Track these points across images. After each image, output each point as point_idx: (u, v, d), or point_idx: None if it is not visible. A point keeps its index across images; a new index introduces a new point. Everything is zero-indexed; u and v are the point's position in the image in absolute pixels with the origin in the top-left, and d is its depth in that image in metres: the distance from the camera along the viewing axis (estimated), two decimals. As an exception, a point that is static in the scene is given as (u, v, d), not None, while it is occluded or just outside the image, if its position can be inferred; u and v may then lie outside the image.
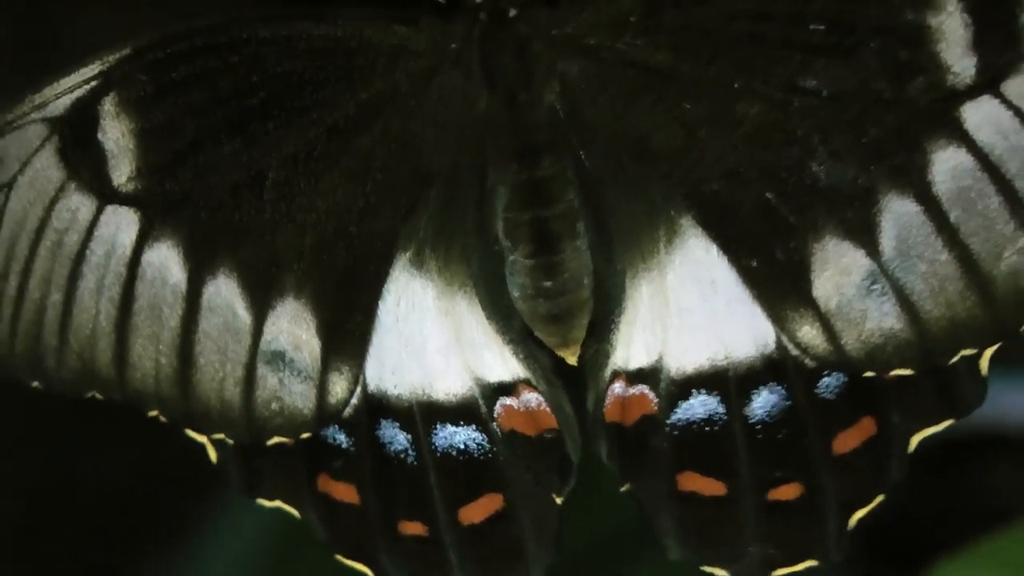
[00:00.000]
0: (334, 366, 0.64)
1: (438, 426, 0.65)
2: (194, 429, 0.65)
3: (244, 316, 0.63)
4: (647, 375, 0.64)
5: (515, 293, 0.64)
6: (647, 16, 0.61)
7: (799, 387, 0.63)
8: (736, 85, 0.61)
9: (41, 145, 0.62)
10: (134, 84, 0.62)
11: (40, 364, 0.64)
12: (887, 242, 0.60)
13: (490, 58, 0.62)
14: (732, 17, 0.60)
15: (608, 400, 0.65)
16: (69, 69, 0.61)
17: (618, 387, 0.64)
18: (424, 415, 0.65)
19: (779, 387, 0.63)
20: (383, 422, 0.65)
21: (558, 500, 0.66)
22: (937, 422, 0.63)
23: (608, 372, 0.64)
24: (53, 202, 0.62)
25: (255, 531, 1.43)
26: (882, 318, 0.60)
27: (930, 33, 0.58)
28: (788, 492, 0.64)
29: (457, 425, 0.65)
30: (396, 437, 0.65)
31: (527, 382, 0.65)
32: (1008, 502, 1.76)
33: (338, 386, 0.64)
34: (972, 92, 0.58)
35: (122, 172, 0.62)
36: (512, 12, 0.62)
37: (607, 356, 0.64)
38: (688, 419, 0.64)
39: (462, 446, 0.65)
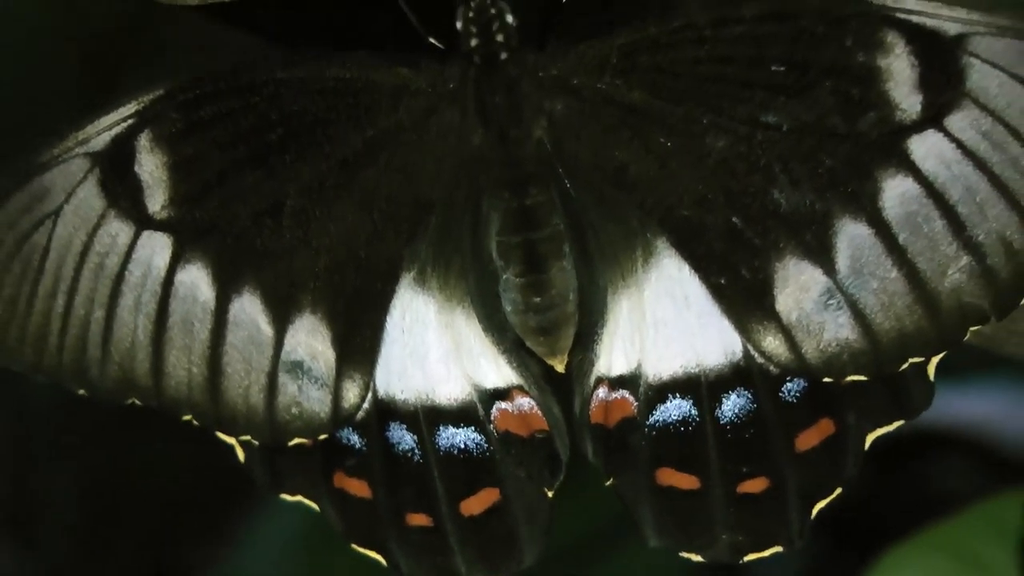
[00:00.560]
0: (347, 374, 0.63)
1: (440, 428, 0.65)
2: (223, 432, 0.64)
3: (266, 330, 0.63)
4: (627, 381, 0.64)
5: (508, 308, 0.63)
6: (624, 59, 0.61)
7: (764, 392, 0.63)
8: (704, 121, 0.60)
9: (84, 177, 0.61)
10: (166, 122, 0.61)
11: (85, 374, 0.63)
12: (842, 261, 0.60)
13: (483, 97, 0.62)
14: (700, 60, 0.60)
15: (592, 404, 0.64)
16: (108, 108, 0.61)
17: (601, 392, 0.64)
18: (428, 418, 0.65)
19: (746, 392, 0.63)
20: (391, 424, 0.65)
21: (549, 493, 0.65)
22: (889, 423, 0.63)
23: (592, 379, 0.64)
24: (95, 228, 0.62)
25: (299, 520, 1.41)
26: (838, 330, 0.60)
27: (880, 73, 0.59)
28: (755, 485, 0.64)
29: (458, 427, 0.65)
30: (403, 438, 0.65)
31: (520, 388, 0.64)
32: (953, 493, 1.76)
33: (351, 392, 0.64)
34: (918, 126, 0.58)
35: (156, 201, 0.62)
36: (503, 56, 0.61)
37: (591, 364, 0.64)
38: (664, 421, 0.64)
39: (462, 446, 0.65)
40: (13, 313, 0.62)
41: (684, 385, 0.63)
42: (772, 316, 0.61)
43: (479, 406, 0.65)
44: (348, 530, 0.67)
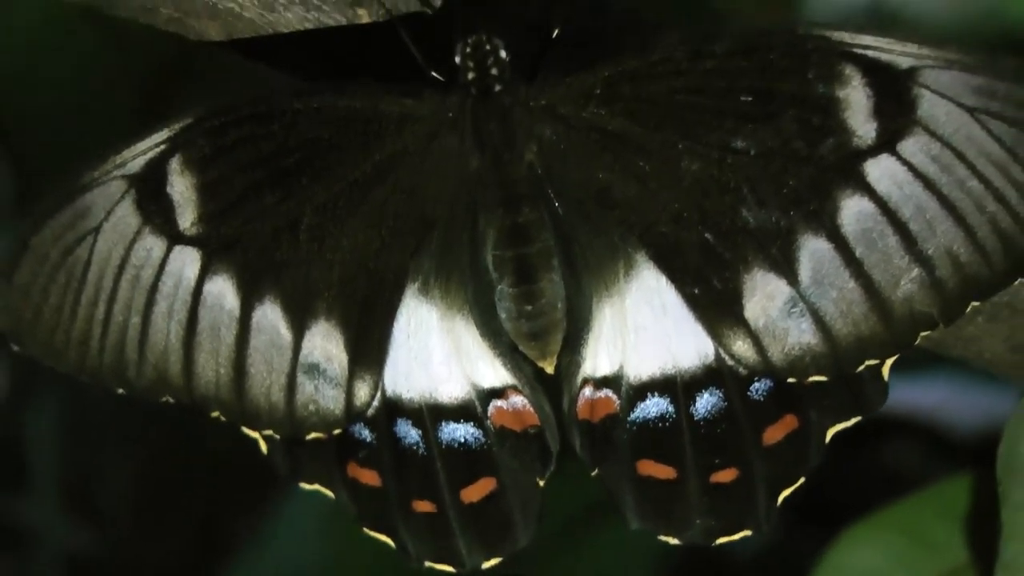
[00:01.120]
0: (359, 375, 0.63)
1: (443, 423, 0.64)
2: (247, 427, 0.64)
3: (286, 334, 0.62)
4: (611, 381, 0.63)
5: (503, 315, 0.63)
6: (607, 90, 0.60)
7: (734, 391, 0.62)
8: (680, 146, 0.60)
9: (121, 197, 0.60)
10: (195, 147, 0.60)
11: (124, 374, 0.63)
12: (804, 273, 0.59)
13: (480, 124, 0.61)
14: (676, 91, 0.59)
15: (579, 402, 0.64)
16: (143, 135, 0.60)
17: (587, 391, 0.63)
18: (431, 414, 0.64)
19: (718, 391, 0.62)
20: (399, 420, 0.64)
21: (540, 482, 0.65)
22: (848, 418, 0.62)
23: (579, 379, 0.63)
24: (132, 243, 0.61)
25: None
26: (801, 335, 0.60)
27: (838, 103, 0.58)
28: (726, 475, 0.63)
29: (458, 422, 0.64)
30: (409, 432, 0.64)
31: (514, 387, 0.64)
32: (906, 472, 1.75)
33: (362, 391, 0.63)
34: (873, 151, 0.58)
35: (186, 219, 0.61)
36: (497, 87, 0.60)
37: (578, 366, 0.63)
38: (644, 417, 0.63)
39: (462, 439, 0.64)
40: (59, 319, 0.62)
41: (662, 385, 0.63)
42: (741, 323, 0.60)
43: (477, 404, 0.64)
44: (361, 515, 0.66)
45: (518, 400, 0.64)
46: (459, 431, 0.64)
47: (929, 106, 0.57)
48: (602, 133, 0.60)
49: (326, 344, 0.62)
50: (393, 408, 0.64)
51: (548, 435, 0.64)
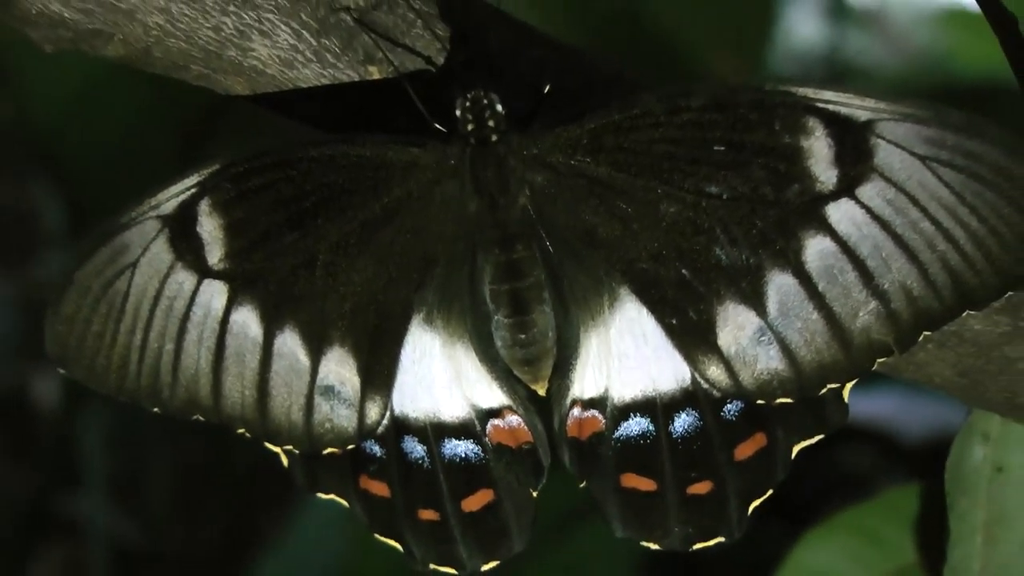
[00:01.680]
0: (369, 396, 0.62)
1: (445, 440, 0.64)
2: (270, 442, 0.63)
3: (304, 360, 0.61)
4: (597, 403, 0.63)
5: (499, 343, 0.62)
6: (592, 140, 0.59)
7: (708, 411, 0.61)
8: (659, 191, 0.59)
9: (156, 235, 0.60)
10: (222, 191, 0.60)
11: (158, 395, 0.62)
12: (772, 305, 0.58)
13: (478, 171, 0.60)
14: (655, 141, 0.59)
15: (568, 421, 0.63)
16: (176, 179, 0.60)
17: (576, 411, 0.63)
18: (435, 432, 0.64)
19: (694, 411, 0.62)
20: (405, 437, 0.64)
21: (534, 493, 0.64)
22: (811, 436, 0.62)
23: (568, 400, 0.63)
24: (165, 277, 0.60)
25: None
26: (768, 361, 0.59)
27: (802, 152, 0.57)
28: (702, 488, 0.62)
29: (459, 439, 0.64)
30: (415, 448, 0.64)
31: (510, 408, 0.63)
32: (860, 473, 1.75)
33: (373, 411, 0.62)
34: (834, 196, 0.57)
35: (214, 255, 0.60)
36: (494, 138, 0.60)
37: (567, 389, 0.63)
38: (627, 435, 0.62)
39: (463, 455, 0.64)
40: (100, 346, 0.61)
41: (643, 406, 0.62)
42: (715, 350, 0.60)
43: (476, 423, 0.63)
44: (371, 523, 0.65)
45: (513, 419, 0.63)
46: (460, 447, 0.63)
47: (885, 155, 0.56)
48: (588, 179, 0.60)
49: (340, 369, 0.61)
50: (401, 426, 0.63)
51: (540, 451, 0.63)
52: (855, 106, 0.56)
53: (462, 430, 0.63)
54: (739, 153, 0.57)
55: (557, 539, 0.65)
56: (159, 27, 0.59)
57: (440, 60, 0.61)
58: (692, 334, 0.60)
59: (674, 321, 0.60)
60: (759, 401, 0.60)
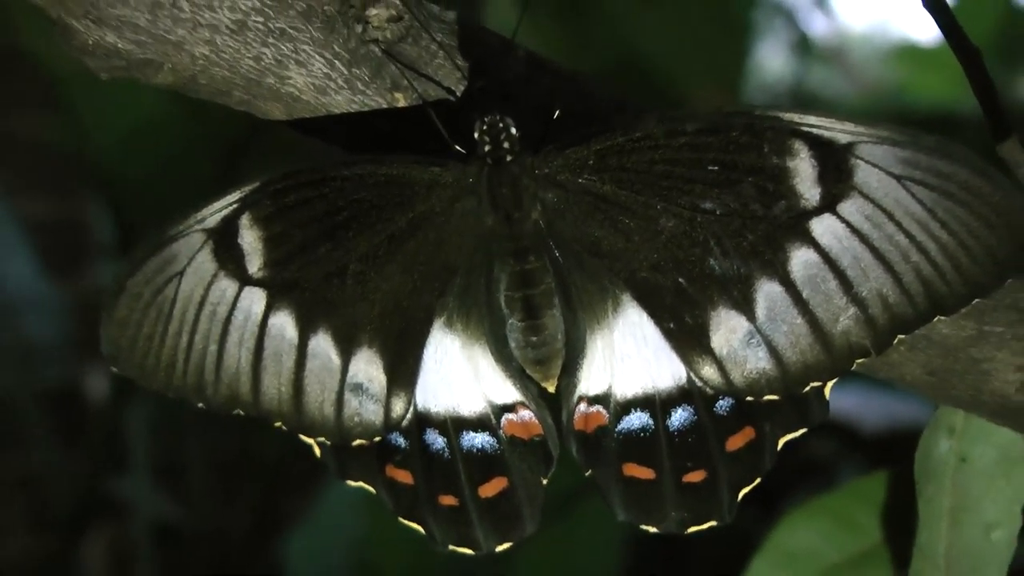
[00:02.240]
0: (395, 393, 0.61)
1: (464, 433, 0.63)
2: (304, 435, 0.62)
3: (335, 360, 0.60)
4: (601, 399, 0.62)
5: (513, 345, 0.61)
6: (598, 161, 0.58)
7: (702, 407, 0.60)
8: (658, 207, 0.58)
9: (201, 247, 0.59)
10: (261, 206, 0.59)
11: (203, 392, 0.61)
12: (760, 311, 0.58)
13: (494, 189, 0.59)
14: (655, 162, 0.58)
15: (576, 416, 0.62)
16: (219, 196, 0.59)
17: (582, 407, 0.62)
18: (454, 425, 0.63)
19: (689, 407, 0.61)
20: (428, 430, 0.63)
21: (544, 481, 0.63)
22: (796, 430, 0.61)
23: (575, 397, 0.62)
24: (209, 285, 0.59)
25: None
26: (757, 362, 0.58)
27: (788, 172, 0.56)
28: (696, 476, 0.61)
29: (476, 432, 0.63)
30: (436, 440, 0.63)
31: (522, 403, 0.62)
32: (825, 459, 1.75)
33: (398, 406, 0.61)
34: (817, 211, 0.56)
35: (254, 265, 0.59)
36: (508, 158, 0.59)
37: (575, 386, 0.62)
38: (629, 428, 0.61)
39: (480, 446, 0.63)
40: (150, 347, 0.60)
41: (643, 402, 0.61)
42: (708, 352, 0.59)
43: (492, 417, 0.62)
44: (396, 507, 0.64)
45: (526, 414, 0.62)
46: (477, 439, 0.62)
47: (864, 174, 0.55)
48: (594, 196, 0.59)
49: (368, 368, 0.60)
50: (423, 420, 0.62)
51: (550, 443, 0.62)
52: (836, 130, 0.55)
53: (479, 423, 0.62)
54: (731, 173, 0.57)
55: (548, 519, 0.65)
56: (205, 57, 0.58)
57: (460, 88, 0.60)
58: (688, 337, 0.59)
59: (672, 325, 0.59)
60: (748, 398, 0.59)
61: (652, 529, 0.63)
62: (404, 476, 0.63)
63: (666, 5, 1.34)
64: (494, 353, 0.62)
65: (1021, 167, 0.61)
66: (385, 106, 0.59)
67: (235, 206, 0.58)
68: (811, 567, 0.76)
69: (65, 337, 1.93)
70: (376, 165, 0.59)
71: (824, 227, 0.56)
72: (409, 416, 0.61)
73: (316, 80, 0.59)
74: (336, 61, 0.58)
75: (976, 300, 0.56)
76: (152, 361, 0.60)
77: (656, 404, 0.61)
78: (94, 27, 0.57)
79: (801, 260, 0.56)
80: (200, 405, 0.61)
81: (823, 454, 1.73)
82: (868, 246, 0.56)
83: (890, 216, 0.55)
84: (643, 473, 0.61)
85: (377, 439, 0.62)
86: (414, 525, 0.64)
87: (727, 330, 0.58)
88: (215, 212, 0.58)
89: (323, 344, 0.60)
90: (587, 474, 0.62)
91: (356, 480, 0.63)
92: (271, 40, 0.58)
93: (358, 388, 0.60)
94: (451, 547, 0.64)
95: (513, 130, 0.58)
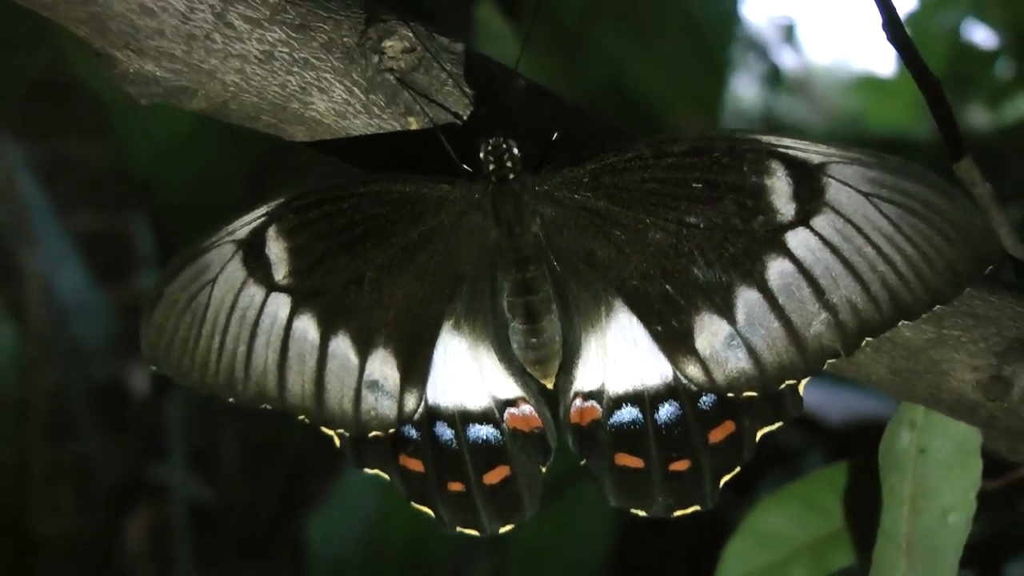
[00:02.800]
0: (408, 389, 0.60)
1: (470, 425, 0.62)
2: (325, 427, 0.61)
3: (354, 360, 0.59)
4: (595, 395, 0.60)
5: (515, 346, 0.60)
6: (592, 180, 0.57)
7: (687, 402, 0.59)
8: (647, 221, 0.57)
9: (231, 256, 0.58)
10: (287, 220, 0.58)
11: (233, 388, 0.60)
12: (740, 316, 0.57)
13: (498, 205, 0.58)
14: (644, 180, 0.57)
15: (572, 410, 0.61)
16: (248, 210, 0.58)
17: (578, 402, 0.61)
18: (462, 419, 0.62)
19: (675, 403, 0.60)
20: (437, 423, 0.62)
21: (543, 469, 0.62)
22: (772, 424, 0.60)
23: (572, 393, 0.61)
24: (239, 291, 0.58)
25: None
26: (737, 362, 0.57)
27: (766, 189, 0.55)
28: (681, 465, 0.60)
29: (481, 425, 0.62)
30: (445, 432, 0.62)
31: (523, 399, 0.61)
32: (791, 449, 1.74)
33: (410, 401, 0.60)
34: (793, 225, 0.55)
35: (280, 273, 0.58)
36: (511, 176, 0.58)
37: (571, 383, 0.61)
38: (620, 422, 0.60)
39: (484, 437, 0.62)
40: (185, 348, 0.59)
41: (633, 398, 0.60)
42: (693, 352, 0.57)
43: (496, 411, 0.61)
44: (408, 493, 0.63)
45: (526, 408, 0.61)
46: (482, 431, 0.61)
47: (835, 192, 0.54)
48: (589, 211, 0.58)
49: (383, 367, 0.59)
50: (433, 414, 0.61)
51: (548, 435, 0.61)
52: (810, 151, 0.54)
53: (484, 417, 0.61)
54: (714, 190, 0.56)
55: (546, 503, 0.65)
56: (235, 84, 0.57)
57: (467, 113, 0.59)
58: (674, 339, 0.58)
59: (659, 328, 0.58)
60: (729, 395, 0.58)
61: (641, 513, 0.62)
62: (416, 465, 0.62)
63: (653, 40, 1.34)
64: (497, 353, 0.61)
65: (977, 186, 0.60)
66: (399, 129, 0.58)
67: (263, 219, 0.57)
68: (783, 547, 0.76)
69: (111, 338, 1.93)
70: (390, 183, 0.58)
71: (799, 240, 0.55)
72: (420, 410, 0.60)
73: (336, 105, 0.58)
74: (355, 88, 0.57)
75: (936, 307, 0.55)
76: (187, 361, 0.59)
77: (645, 400, 0.59)
78: (134, 57, 0.56)
79: (777, 270, 0.55)
80: (231, 400, 0.60)
81: (792, 444, 1.73)
82: (839, 257, 0.55)
83: (859, 230, 0.54)
84: (633, 462, 0.60)
85: (391, 431, 0.60)
86: (424, 509, 0.63)
87: (710, 333, 0.57)
88: (244, 225, 0.58)
89: (342, 346, 0.59)
90: (582, 463, 0.61)
91: (372, 468, 0.62)
92: (295, 69, 0.57)
93: (374, 385, 0.59)
94: (458, 529, 0.63)
95: (516, 151, 0.57)
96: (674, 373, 0.59)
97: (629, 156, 0.56)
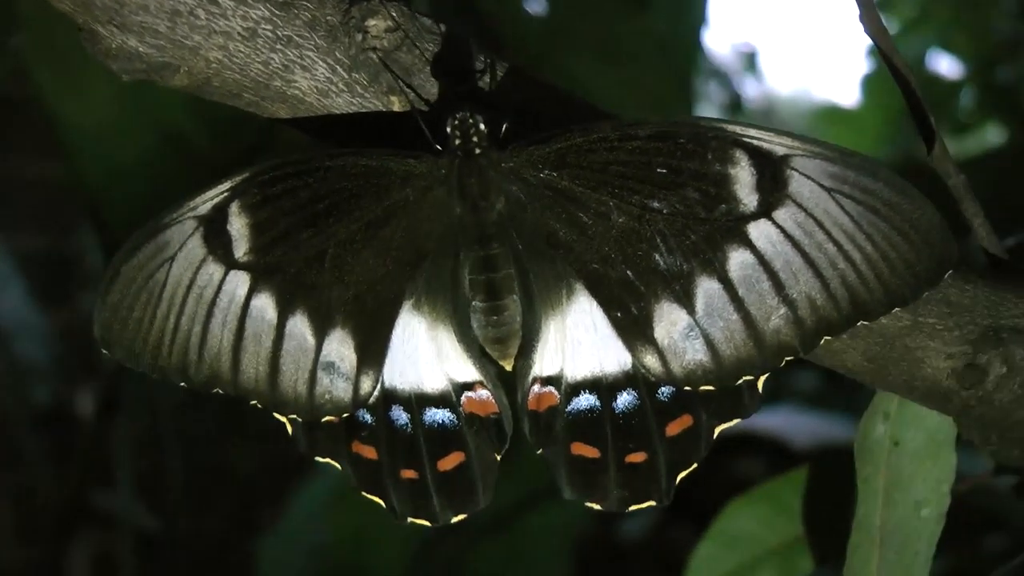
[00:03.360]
0: (364, 371, 0.60)
1: (426, 409, 0.62)
2: (277, 412, 0.60)
3: (310, 340, 0.59)
4: (553, 380, 0.61)
5: (475, 324, 0.60)
6: (558, 159, 0.58)
7: (645, 393, 0.60)
8: (610, 203, 0.58)
9: (192, 233, 0.58)
10: (249, 195, 0.58)
11: (186, 371, 0.59)
12: (699, 306, 0.57)
13: (463, 181, 0.59)
14: (609, 162, 0.57)
15: (530, 396, 0.61)
16: (211, 184, 0.58)
17: (536, 388, 0.61)
18: (418, 402, 0.62)
19: (633, 392, 0.60)
20: (393, 406, 0.61)
21: (498, 456, 0.62)
22: (730, 420, 0.60)
23: (530, 378, 0.61)
24: (198, 269, 0.58)
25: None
26: (695, 354, 0.58)
27: (729, 178, 0.56)
28: (638, 457, 0.61)
29: (438, 408, 0.62)
30: (400, 416, 0.61)
31: (481, 383, 0.61)
32: (754, 477, 1.75)
33: (366, 384, 0.60)
34: (754, 216, 0.56)
35: (241, 250, 0.58)
36: (477, 152, 0.58)
37: (530, 367, 0.61)
38: (578, 410, 0.61)
39: (440, 421, 0.62)
40: (139, 329, 0.59)
41: (591, 385, 0.60)
42: (651, 341, 0.58)
43: (453, 394, 0.61)
44: (360, 482, 0.62)
45: (484, 393, 0.61)
46: (438, 415, 0.61)
47: (797, 185, 0.55)
48: (553, 191, 0.58)
49: (340, 347, 0.59)
50: (389, 397, 0.61)
51: (505, 420, 0.61)
52: (775, 142, 0.55)
53: (441, 400, 0.61)
54: (677, 176, 0.56)
55: (502, 524, 0.65)
56: (218, 61, 0.58)
57: (447, 93, 0.59)
58: (633, 327, 0.58)
59: (619, 315, 0.58)
60: (686, 387, 0.58)
61: (596, 506, 0.62)
62: (369, 452, 0.61)
63: (623, 66, 1.36)
64: (457, 335, 0.61)
65: (951, 176, 0.61)
66: (382, 108, 0.59)
67: (225, 194, 0.58)
68: (751, 549, 0.77)
69: (55, 361, 1.91)
70: (357, 157, 0.58)
71: (760, 231, 0.56)
72: (376, 393, 0.60)
73: (319, 83, 0.58)
74: (337, 67, 0.58)
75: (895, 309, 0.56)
76: (140, 343, 0.59)
77: (603, 387, 0.60)
78: (118, 32, 0.57)
79: (738, 261, 0.56)
80: (182, 384, 0.60)
81: (754, 470, 1.74)
82: (799, 251, 0.55)
83: (820, 225, 0.55)
84: (589, 452, 0.60)
85: (345, 416, 0.60)
86: (375, 498, 0.63)
87: (668, 322, 0.57)
88: (207, 200, 0.58)
89: (300, 325, 0.59)
90: (538, 452, 0.61)
91: (324, 456, 0.62)
92: (279, 47, 0.58)
93: (330, 367, 0.59)
94: (409, 519, 0.63)
95: (482, 126, 0.58)
96: (633, 362, 0.59)
97: (595, 138, 0.57)
